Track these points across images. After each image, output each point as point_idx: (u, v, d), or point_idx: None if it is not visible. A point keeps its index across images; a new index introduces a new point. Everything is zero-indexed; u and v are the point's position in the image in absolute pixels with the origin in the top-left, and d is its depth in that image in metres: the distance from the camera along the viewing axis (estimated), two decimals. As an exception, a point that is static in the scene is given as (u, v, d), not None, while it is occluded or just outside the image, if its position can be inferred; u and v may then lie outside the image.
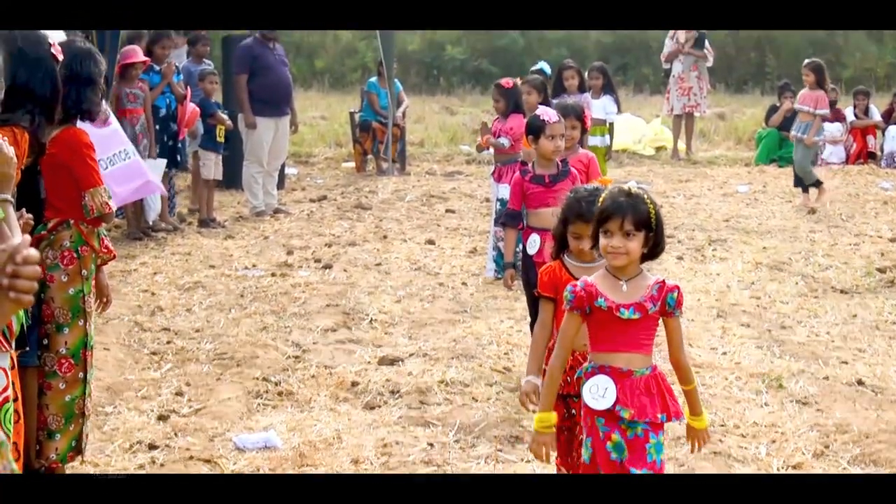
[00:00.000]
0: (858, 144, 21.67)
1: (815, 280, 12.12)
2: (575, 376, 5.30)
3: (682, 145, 22.42)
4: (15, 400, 5.03)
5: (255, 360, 9.17)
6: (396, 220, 15.84)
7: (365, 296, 11.36)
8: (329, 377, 8.77)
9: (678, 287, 5.00)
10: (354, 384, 8.58)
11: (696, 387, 5.19)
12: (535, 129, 8.26)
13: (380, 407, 8.14)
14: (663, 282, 4.98)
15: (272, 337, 9.90)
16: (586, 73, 15.97)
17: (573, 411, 5.62)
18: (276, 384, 8.59)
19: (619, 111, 16.69)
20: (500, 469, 6.93)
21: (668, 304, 4.93)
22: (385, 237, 14.49)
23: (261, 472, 6.92)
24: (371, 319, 10.51)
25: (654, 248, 4.97)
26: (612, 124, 15.86)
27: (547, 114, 8.33)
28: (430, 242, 14.08)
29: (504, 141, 11.83)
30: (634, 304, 4.90)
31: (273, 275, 12.28)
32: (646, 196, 5.00)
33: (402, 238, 14.45)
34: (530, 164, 8.36)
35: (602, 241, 4.93)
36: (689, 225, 15.22)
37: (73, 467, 6.77)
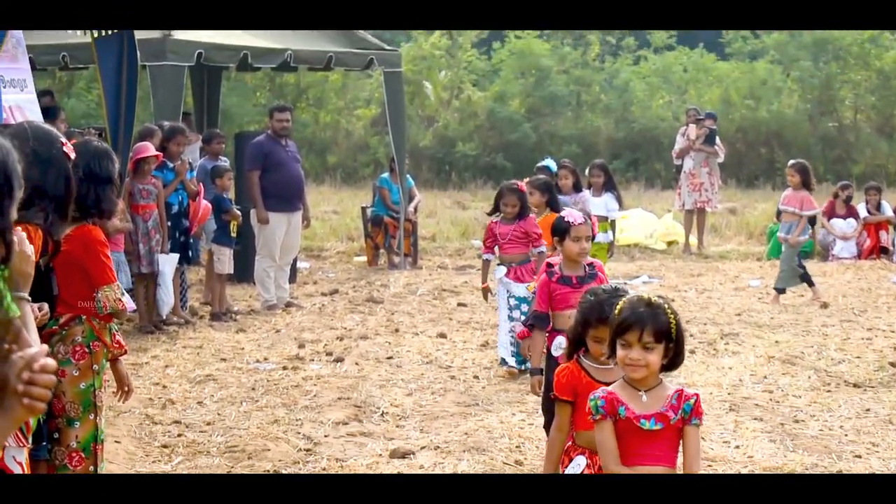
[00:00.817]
0: (871, 240, 21.67)
1: (828, 374, 12.07)
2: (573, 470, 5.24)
3: (693, 240, 22.45)
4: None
5: (266, 452, 9.14)
6: (408, 313, 15.84)
7: (376, 389, 11.34)
8: (340, 470, 8.73)
9: (697, 395, 4.83)
10: (366, 478, 8.55)
11: None
12: (561, 231, 8.08)
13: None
14: (682, 390, 4.81)
15: (283, 430, 9.87)
16: (587, 171, 16.08)
17: None
18: (287, 478, 8.56)
19: (621, 208, 16.76)
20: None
21: (684, 410, 4.74)
22: (397, 330, 14.49)
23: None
24: (382, 412, 10.48)
25: (674, 359, 4.78)
26: (614, 221, 15.93)
27: (572, 216, 8.15)
28: (442, 336, 14.07)
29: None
30: (656, 415, 4.71)
31: (284, 368, 12.27)
32: (666, 306, 4.81)
33: (414, 331, 14.45)
34: (557, 266, 8.13)
35: (620, 352, 4.73)
36: (701, 319, 15.21)
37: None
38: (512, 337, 11.45)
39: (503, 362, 12.00)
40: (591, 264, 8.09)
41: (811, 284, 16.71)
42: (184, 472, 8.01)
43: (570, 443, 5.58)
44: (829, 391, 11.41)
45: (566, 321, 7.68)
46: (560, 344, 7.53)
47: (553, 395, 5.69)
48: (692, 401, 4.75)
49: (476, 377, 11.90)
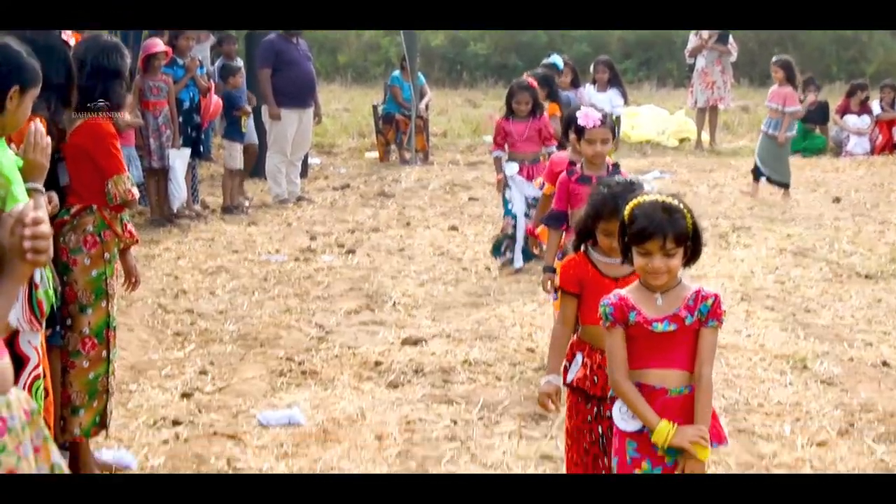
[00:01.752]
0: (884, 136, 21.57)
1: (840, 266, 12.06)
2: (609, 395, 4.82)
3: (705, 136, 22.35)
4: (44, 377, 5.09)
5: (279, 340, 9.19)
6: (420, 207, 15.82)
7: (388, 280, 11.36)
8: (352, 357, 8.78)
9: (716, 295, 4.57)
10: (378, 364, 8.59)
11: (710, 411, 4.59)
12: (578, 131, 7.79)
13: (403, 385, 8.14)
14: (700, 290, 4.55)
15: (295, 319, 9.91)
16: (592, 67, 15.91)
17: (598, 410, 5.23)
18: (300, 364, 8.61)
19: (627, 103, 16.65)
20: (524, 445, 6.92)
21: (700, 312, 4.48)
22: (408, 224, 14.48)
23: (284, 447, 6.92)
24: (394, 302, 10.51)
25: (692, 257, 4.57)
26: (619, 117, 15.82)
27: (586, 118, 7.69)
28: (454, 229, 14.07)
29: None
30: (669, 317, 4.49)
31: (296, 260, 12.30)
32: (682, 207, 4.57)
33: (426, 225, 14.44)
34: (578, 165, 7.94)
35: (640, 260, 4.50)
36: (713, 213, 15.16)
37: (98, 442, 6.80)
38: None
39: (496, 252, 11.94)
40: (615, 164, 7.91)
41: (756, 179, 16.73)
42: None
43: (575, 337, 5.39)
44: (840, 282, 11.40)
45: None
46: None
47: (558, 286, 5.51)
48: (710, 301, 4.50)
49: (488, 268, 11.91)
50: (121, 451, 6.75)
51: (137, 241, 6.73)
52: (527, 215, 11.65)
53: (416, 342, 9.12)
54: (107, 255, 6.41)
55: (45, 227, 3.24)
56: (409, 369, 8.45)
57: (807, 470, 6.49)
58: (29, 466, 3.11)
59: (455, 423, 7.33)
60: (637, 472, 4.49)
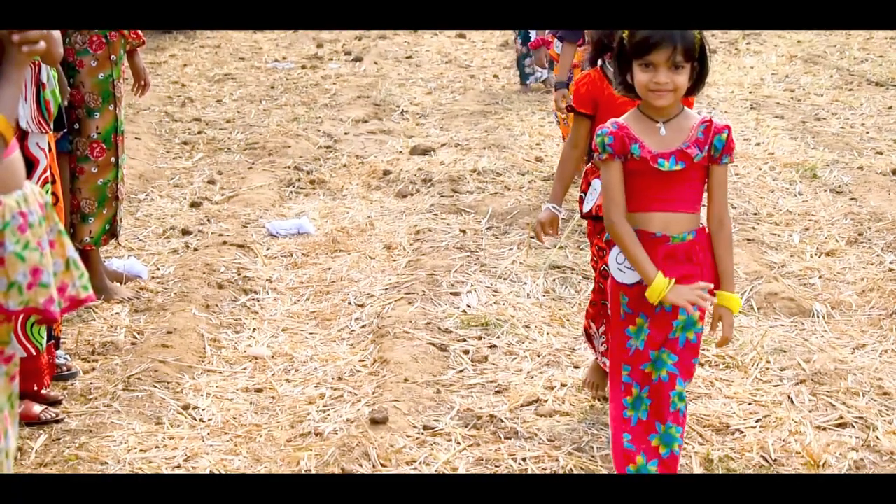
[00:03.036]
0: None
1: (851, 73, 11.96)
2: (605, 238, 4.34)
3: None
4: (53, 182, 5.05)
5: (287, 149, 9.16)
6: (427, 13, 15.63)
7: (396, 88, 11.29)
8: (361, 166, 8.76)
9: (728, 127, 3.95)
10: (386, 173, 8.58)
11: (732, 259, 4.07)
12: None
13: (412, 195, 8.13)
14: (710, 121, 3.93)
15: (303, 127, 9.87)
16: None
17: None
18: (308, 173, 8.59)
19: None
20: (533, 255, 6.93)
21: (714, 147, 3.89)
22: (415, 31, 14.32)
23: (293, 257, 6.94)
24: (402, 110, 10.45)
25: (698, 81, 3.95)
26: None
27: None
28: (461, 36, 13.92)
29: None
30: (675, 152, 3.88)
31: (303, 67, 12.20)
32: None
33: (433, 32, 14.28)
34: None
35: (642, 76, 3.86)
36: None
37: (108, 251, 6.83)
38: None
39: (524, 80, 11.74)
40: None
41: None
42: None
43: (589, 164, 4.90)
44: (851, 90, 11.31)
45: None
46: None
47: (568, 106, 4.98)
48: (724, 135, 3.90)
49: (496, 76, 11.82)
50: (131, 259, 6.76)
51: (144, 42, 6.63)
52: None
53: (424, 151, 9.09)
54: (113, 56, 6.32)
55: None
56: (418, 178, 8.43)
57: (815, 280, 6.51)
58: (49, 263, 3.10)
59: (464, 232, 7.33)
60: (631, 328, 3.97)
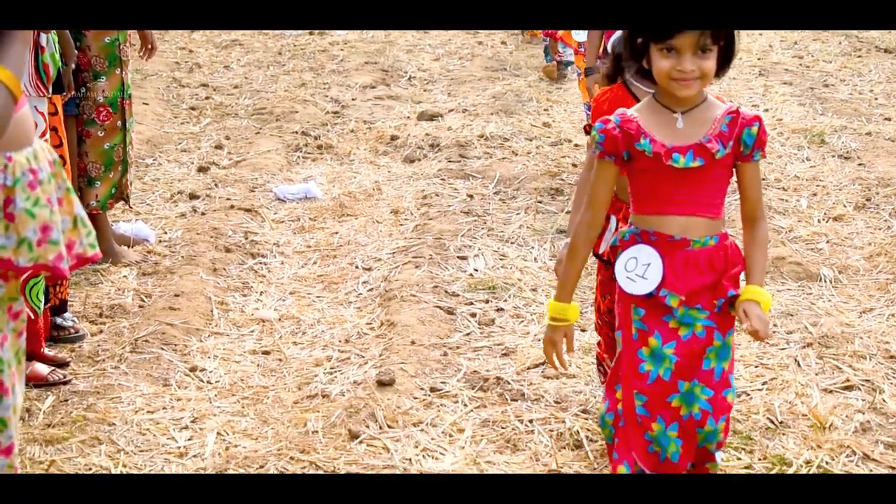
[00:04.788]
0: None
1: (859, 40, 11.92)
2: (609, 243, 3.73)
3: None
4: (58, 146, 5.05)
5: (294, 114, 9.16)
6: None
7: (403, 54, 11.27)
8: (368, 132, 8.76)
9: (759, 119, 3.39)
10: (394, 138, 8.57)
11: (765, 257, 3.54)
12: None
13: (419, 160, 8.13)
14: (737, 111, 3.39)
15: (311, 93, 9.86)
16: None
17: None
18: (316, 138, 8.59)
19: None
20: (540, 219, 6.93)
21: (744, 143, 3.35)
22: (425, 31, 14.30)
23: (301, 221, 6.95)
24: (410, 77, 10.44)
25: (724, 63, 3.39)
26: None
27: None
28: (470, 2, 13.87)
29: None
30: (694, 147, 3.35)
31: (311, 33, 12.18)
32: None
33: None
34: None
35: (663, 63, 3.32)
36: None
37: (116, 215, 6.83)
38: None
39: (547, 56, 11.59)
40: None
41: None
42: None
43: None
44: (859, 56, 11.28)
45: None
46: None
47: (586, 126, 4.38)
48: (755, 129, 3.35)
49: (504, 43, 11.80)
50: (139, 223, 6.77)
51: (150, 4, 6.62)
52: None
53: (432, 117, 9.08)
54: (119, 20, 6.32)
55: None
56: (426, 144, 8.43)
57: (822, 244, 6.50)
58: (58, 220, 3.09)
59: (471, 197, 7.32)
60: (644, 349, 3.47)
